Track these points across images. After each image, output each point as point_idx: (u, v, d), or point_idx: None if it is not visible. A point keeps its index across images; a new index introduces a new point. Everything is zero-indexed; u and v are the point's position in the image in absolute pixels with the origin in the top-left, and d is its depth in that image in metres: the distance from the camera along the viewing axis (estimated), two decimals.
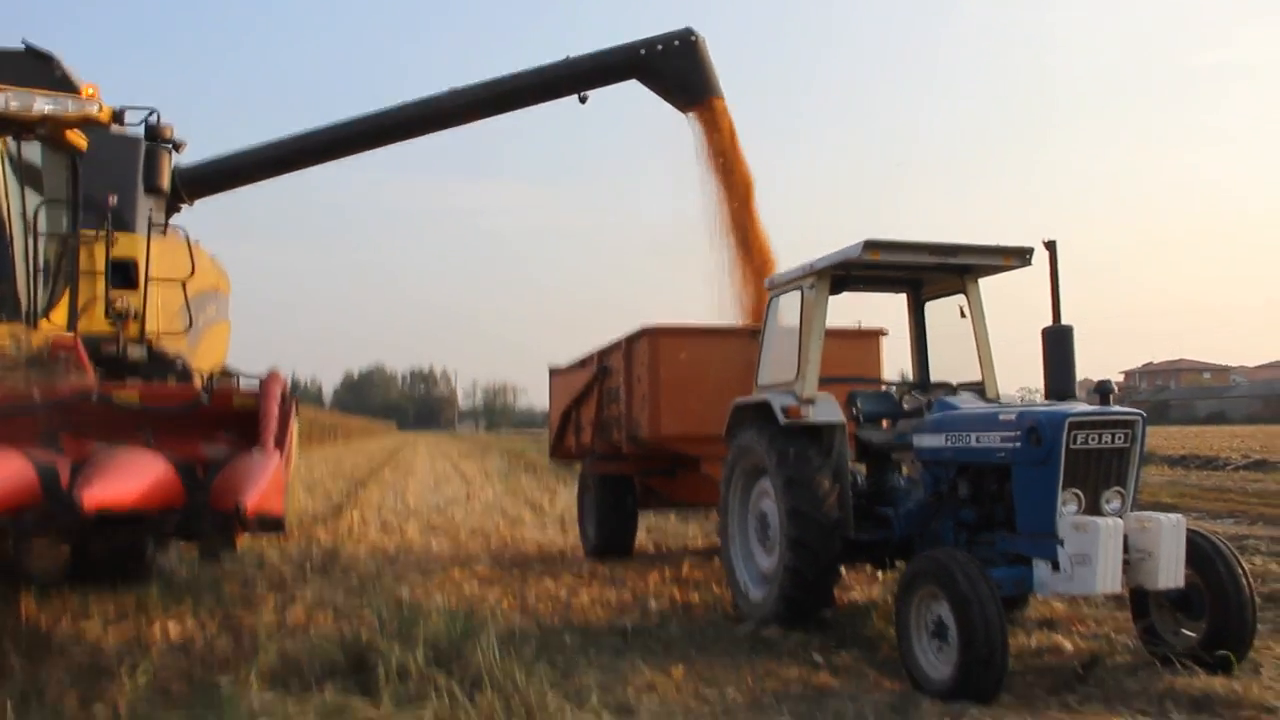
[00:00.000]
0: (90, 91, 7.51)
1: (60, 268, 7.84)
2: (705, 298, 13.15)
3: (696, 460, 10.46)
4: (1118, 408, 6.34)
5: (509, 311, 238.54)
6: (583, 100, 13.83)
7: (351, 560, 11.39)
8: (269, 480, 5.33)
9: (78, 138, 7.67)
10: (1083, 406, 6.35)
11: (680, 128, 13.71)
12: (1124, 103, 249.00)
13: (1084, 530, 5.95)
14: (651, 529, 14.40)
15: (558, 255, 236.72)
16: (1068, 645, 7.02)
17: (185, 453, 5.91)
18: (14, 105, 6.87)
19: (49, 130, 7.28)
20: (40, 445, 5.77)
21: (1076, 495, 6.16)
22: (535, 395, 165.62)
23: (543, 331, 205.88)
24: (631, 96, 13.90)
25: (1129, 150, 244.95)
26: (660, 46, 13.42)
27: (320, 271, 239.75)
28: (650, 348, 10.37)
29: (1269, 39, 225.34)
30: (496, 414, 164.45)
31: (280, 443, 5.94)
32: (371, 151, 14.51)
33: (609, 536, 11.85)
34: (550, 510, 17.90)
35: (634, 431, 10.71)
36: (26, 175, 7.47)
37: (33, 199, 7.55)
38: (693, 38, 13.44)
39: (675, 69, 13.41)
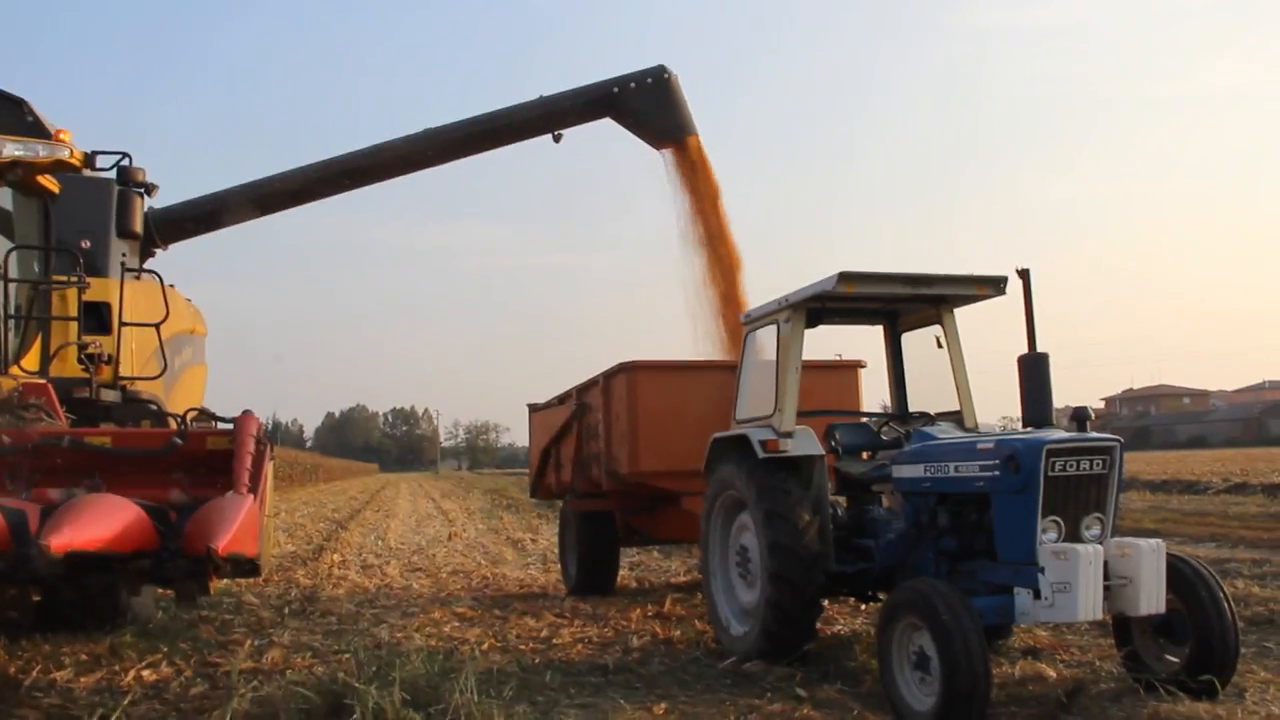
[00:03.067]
0: (62, 136, 7.48)
1: (32, 313, 7.77)
2: (685, 332, 13.26)
3: (677, 496, 10.39)
4: (1095, 434, 6.34)
5: (490, 351, 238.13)
6: (557, 139, 13.92)
7: (331, 602, 11.30)
8: (241, 522, 5.28)
9: (49, 182, 7.63)
10: (1060, 434, 6.34)
11: (656, 162, 13.84)
12: (1095, 132, 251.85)
13: (1064, 558, 5.93)
14: (634, 565, 14.34)
15: (535, 294, 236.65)
16: (1051, 674, 6.97)
17: (157, 496, 5.87)
18: None
19: (20, 175, 7.23)
20: (9, 490, 5.70)
21: (1056, 523, 6.15)
22: (518, 434, 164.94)
23: (524, 370, 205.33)
24: (608, 134, 14.02)
25: (1111, 179, 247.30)
26: (633, 84, 13.51)
27: (301, 314, 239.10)
28: (629, 384, 10.33)
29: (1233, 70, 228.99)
30: (479, 453, 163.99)
31: (254, 485, 5.88)
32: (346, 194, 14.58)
33: (590, 574, 11.75)
34: (532, 548, 17.82)
35: (614, 468, 10.65)
36: None
37: (3, 245, 7.49)
38: (665, 75, 13.53)
39: (647, 107, 13.51)
